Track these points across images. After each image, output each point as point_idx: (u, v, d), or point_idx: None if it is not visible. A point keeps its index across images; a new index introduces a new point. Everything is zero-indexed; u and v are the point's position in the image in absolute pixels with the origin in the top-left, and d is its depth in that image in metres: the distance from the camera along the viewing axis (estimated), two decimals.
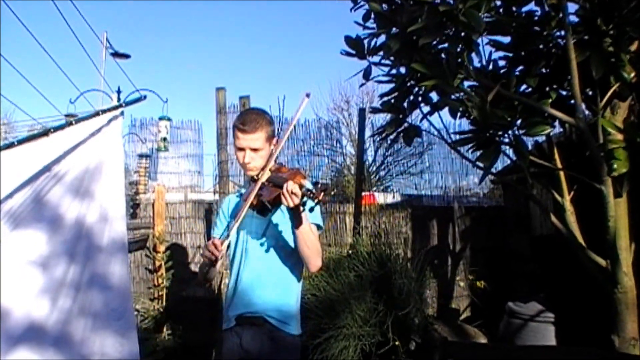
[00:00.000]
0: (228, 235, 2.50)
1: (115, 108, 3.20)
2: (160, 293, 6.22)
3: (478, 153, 3.57)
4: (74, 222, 2.91)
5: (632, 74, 3.15)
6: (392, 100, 3.91)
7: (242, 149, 2.54)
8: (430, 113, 3.91)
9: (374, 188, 9.08)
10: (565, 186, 3.58)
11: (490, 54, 3.63)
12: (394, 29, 3.58)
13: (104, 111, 3.14)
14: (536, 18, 3.49)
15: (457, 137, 3.92)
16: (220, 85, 6.42)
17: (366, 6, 3.75)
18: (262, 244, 2.57)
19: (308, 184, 2.27)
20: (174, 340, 5.93)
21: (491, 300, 5.91)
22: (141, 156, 7.48)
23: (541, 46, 3.54)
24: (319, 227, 2.57)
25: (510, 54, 3.63)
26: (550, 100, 3.37)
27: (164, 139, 7.04)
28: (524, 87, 3.48)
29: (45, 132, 2.84)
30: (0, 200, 2.62)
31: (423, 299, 5.44)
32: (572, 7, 3.26)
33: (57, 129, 2.88)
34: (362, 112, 6.94)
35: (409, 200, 7.70)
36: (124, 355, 3.00)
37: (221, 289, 5.82)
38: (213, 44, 32.30)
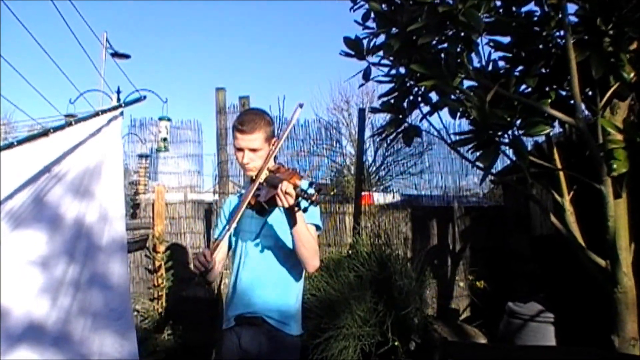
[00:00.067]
0: (222, 239, 2.52)
1: (115, 108, 3.20)
2: (160, 293, 6.22)
3: (478, 153, 3.57)
4: (73, 221, 2.91)
5: (632, 74, 3.14)
6: (392, 101, 3.91)
7: (241, 150, 2.54)
8: (430, 113, 3.92)
9: (374, 188, 9.08)
10: (565, 186, 3.58)
11: (490, 54, 3.63)
12: (393, 28, 3.58)
13: (103, 111, 3.14)
14: (536, 18, 3.49)
15: (457, 137, 3.92)
16: (220, 86, 6.44)
17: (366, 6, 3.75)
18: (261, 244, 2.57)
19: (303, 185, 2.27)
20: (174, 340, 5.93)
21: (491, 301, 5.91)
22: (141, 156, 7.49)
23: (541, 46, 3.54)
24: (317, 227, 2.57)
25: (510, 54, 3.63)
26: (549, 100, 3.37)
27: (164, 139, 7.04)
28: (523, 87, 3.47)
29: (45, 133, 2.84)
30: (0, 200, 2.62)
31: (423, 299, 5.44)
32: (571, 8, 3.27)
33: (56, 129, 2.88)
34: (361, 113, 6.95)
35: (408, 200, 7.70)
36: (124, 355, 3.00)
37: (221, 289, 5.83)
38: (213, 44, 32.32)
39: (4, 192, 2.64)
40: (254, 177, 2.49)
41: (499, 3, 3.41)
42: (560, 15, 3.22)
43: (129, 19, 30.69)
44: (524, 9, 3.51)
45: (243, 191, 2.74)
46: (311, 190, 2.19)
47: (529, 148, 3.82)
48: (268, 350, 2.50)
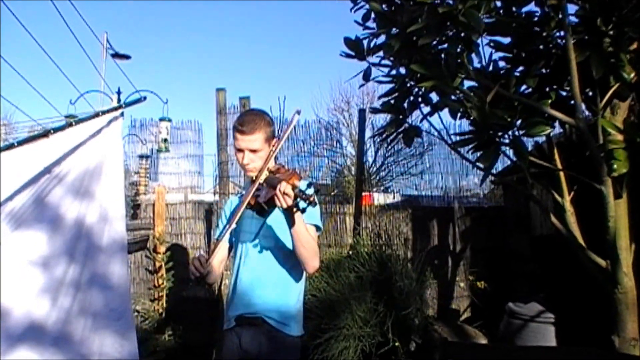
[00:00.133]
0: (221, 239, 2.56)
1: (115, 109, 3.20)
2: (160, 294, 6.23)
3: (478, 154, 3.57)
4: (74, 222, 2.92)
5: (632, 74, 3.14)
6: (392, 101, 3.91)
7: (241, 150, 2.54)
8: (430, 114, 3.92)
9: (375, 189, 9.08)
10: (565, 186, 3.58)
11: (491, 54, 3.65)
12: (393, 29, 3.58)
13: (104, 112, 3.15)
14: (536, 18, 3.49)
15: (457, 137, 3.92)
16: (221, 86, 6.44)
17: (366, 6, 3.75)
18: (261, 245, 2.57)
19: (302, 185, 2.28)
20: (175, 340, 5.93)
21: (491, 301, 5.91)
22: (141, 157, 7.49)
23: (541, 46, 3.53)
24: (317, 228, 2.57)
25: (510, 55, 3.63)
26: (550, 101, 3.37)
27: (165, 140, 7.03)
28: (523, 87, 3.47)
29: (45, 133, 2.84)
30: (0, 201, 2.62)
31: (423, 300, 5.44)
32: (572, 8, 3.27)
33: (57, 130, 2.89)
34: (362, 113, 6.95)
35: (409, 200, 7.70)
36: (124, 355, 3.01)
37: (221, 289, 5.83)
38: (213, 45, 32.38)
39: (4, 193, 2.65)
40: (254, 178, 2.50)
41: (499, 3, 3.41)
42: (560, 16, 3.22)
43: (129, 19, 30.77)
44: (524, 10, 3.51)
45: (244, 192, 2.74)
46: (309, 191, 2.20)
47: (529, 148, 3.82)
48: (268, 350, 2.50)
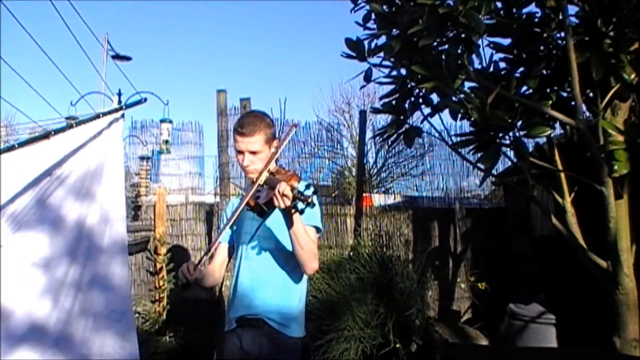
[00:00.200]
0: (216, 241, 2.60)
1: (115, 110, 3.20)
2: (161, 295, 6.22)
3: (479, 155, 3.57)
4: (75, 223, 2.92)
5: (633, 75, 3.15)
6: (393, 102, 3.91)
7: (241, 152, 2.55)
8: (431, 115, 3.92)
9: (375, 190, 9.08)
10: (566, 187, 3.58)
11: (491, 55, 3.63)
12: (394, 30, 3.59)
13: (104, 114, 3.15)
14: (536, 20, 3.49)
15: (458, 138, 3.92)
16: (221, 87, 6.44)
17: (367, 7, 3.76)
18: (261, 246, 2.58)
19: (300, 186, 2.28)
20: (175, 342, 5.93)
21: (492, 302, 5.90)
22: (142, 158, 7.49)
23: (541, 48, 3.54)
24: (318, 229, 2.57)
25: (511, 56, 3.63)
26: (550, 102, 3.37)
27: (166, 142, 7.04)
28: (524, 88, 3.48)
29: (46, 135, 2.84)
30: (0, 202, 2.62)
31: (424, 301, 5.44)
32: (572, 9, 3.27)
33: (58, 131, 2.89)
34: (363, 114, 6.96)
35: (410, 201, 7.70)
36: (124, 356, 3.01)
37: (222, 290, 5.83)
38: (214, 46, 32.41)
39: (6, 195, 2.65)
40: (254, 180, 2.50)
41: (499, 5, 3.42)
42: (560, 17, 3.23)
43: (129, 20, 30.84)
44: (524, 11, 3.52)
45: (244, 193, 2.74)
46: (308, 192, 2.21)
47: (530, 149, 3.82)
48: (269, 351, 2.50)
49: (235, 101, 6.62)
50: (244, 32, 33.60)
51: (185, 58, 32.02)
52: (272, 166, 2.49)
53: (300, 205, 2.21)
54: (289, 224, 2.37)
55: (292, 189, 2.22)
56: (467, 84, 3.52)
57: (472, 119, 3.47)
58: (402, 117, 3.91)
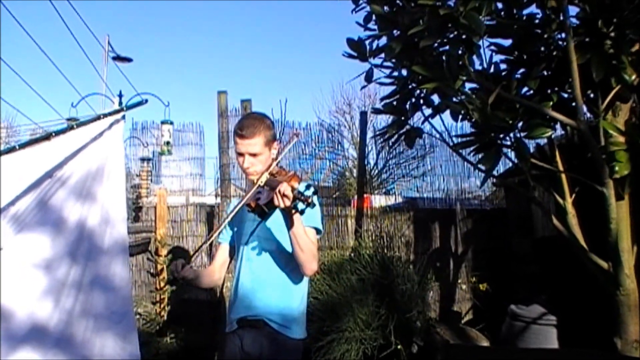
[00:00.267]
0: (194, 253, 2.69)
1: (116, 112, 3.20)
2: (162, 296, 6.22)
3: (480, 156, 3.57)
4: (76, 224, 2.92)
5: (633, 76, 3.15)
6: (394, 103, 3.91)
7: (241, 154, 2.55)
8: (432, 115, 3.92)
9: (376, 191, 9.08)
10: (567, 188, 3.57)
11: (492, 56, 3.64)
12: (395, 31, 3.59)
13: (105, 115, 3.15)
14: (537, 21, 3.49)
15: (459, 139, 3.92)
16: (222, 88, 6.45)
17: (367, 8, 3.76)
18: (262, 247, 2.57)
19: (301, 187, 2.28)
20: (176, 343, 5.93)
21: (493, 303, 5.90)
22: (143, 160, 7.48)
23: (542, 48, 3.54)
24: (318, 230, 2.57)
25: (511, 57, 3.63)
26: (551, 103, 3.37)
27: (167, 143, 7.03)
28: (525, 89, 3.48)
29: (47, 136, 2.84)
30: (0, 203, 2.62)
31: (425, 302, 5.45)
32: (573, 10, 3.27)
33: (58, 133, 2.89)
34: (363, 115, 6.97)
35: (411, 202, 7.69)
36: (125, 357, 3.01)
37: (223, 291, 5.83)
38: (215, 47, 32.43)
39: (7, 196, 2.65)
40: (255, 181, 2.50)
41: (500, 5, 3.42)
42: (561, 18, 3.23)
43: (130, 21, 30.85)
44: (525, 12, 3.52)
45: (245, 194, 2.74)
46: (308, 193, 2.21)
47: (531, 150, 3.82)
48: (269, 352, 2.50)
49: (236, 102, 6.63)
50: (245, 33, 33.62)
51: (186, 59, 32.04)
52: (273, 167, 2.50)
53: (301, 205, 2.21)
54: (289, 224, 2.37)
55: (293, 189, 2.23)
56: (468, 85, 3.53)
57: (473, 119, 3.47)
58: (403, 118, 3.91)
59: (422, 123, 4.01)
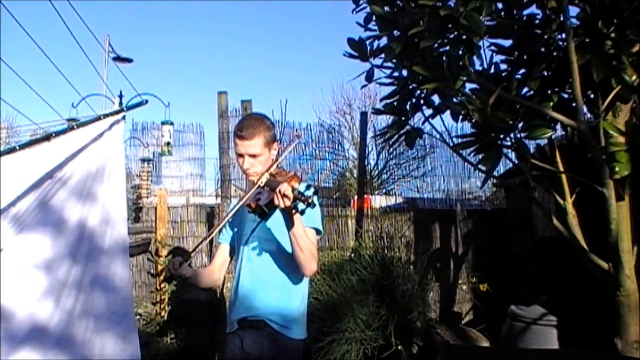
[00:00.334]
0: (190, 256, 2.68)
1: (117, 112, 3.20)
2: (162, 297, 6.22)
3: (480, 156, 3.57)
4: (76, 224, 2.92)
5: (634, 77, 3.14)
6: (395, 103, 3.91)
7: (241, 155, 2.55)
8: (432, 116, 3.92)
9: (377, 191, 9.07)
10: (567, 189, 3.57)
11: (492, 57, 3.64)
12: (395, 31, 3.59)
13: (105, 115, 3.14)
14: (537, 21, 3.49)
15: (459, 140, 3.91)
16: (223, 89, 6.44)
17: (368, 8, 3.76)
18: (262, 248, 2.58)
19: (301, 187, 2.29)
20: (177, 343, 5.93)
21: (493, 303, 5.90)
22: (143, 160, 7.48)
23: (542, 49, 3.54)
24: (318, 231, 2.57)
25: (512, 57, 3.63)
26: (551, 103, 3.37)
27: (168, 143, 7.04)
28: (525, 90, 3.48)
29: (47, 137, 2.84)
30: (0, 204, 2.62)
31: (425, 303, 5.45)
32: (573, 10, 3.27)
33: (59, 133, 2.88)
34: (364, 116, 6.97)
35: (411, 203, 7.69)
36: (125, 358, 3.01)
37: (223, 292, 5.83)
38: (215, 47, 32.43)
39: (7, 197, 2.65)
40: (255, 182, 2.50)
41: (500, 6, 3.42)
42: (561, 18, 3.23)
43: (130, 22, 30.85)
44: (525, 12, 3.52)
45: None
46: (309, 193, 2.22)
47: (531, 151, 3.82)
48: (269, 353, 2.50)
49: (237, 103, 6.63)
50: (245, 33, 33.62)
51: (186, 59, 32.03)
52: (273, 168, 2.50)
53: (301, 205, 2.21)
54: (289, 224, 2.38)
55: (293, 189, 2.23)
56: (468, 86, 3.53)
57: (473, 120, 3.47)
58: (403, 118, 3.91)
59: (423, 123, 4.02)
